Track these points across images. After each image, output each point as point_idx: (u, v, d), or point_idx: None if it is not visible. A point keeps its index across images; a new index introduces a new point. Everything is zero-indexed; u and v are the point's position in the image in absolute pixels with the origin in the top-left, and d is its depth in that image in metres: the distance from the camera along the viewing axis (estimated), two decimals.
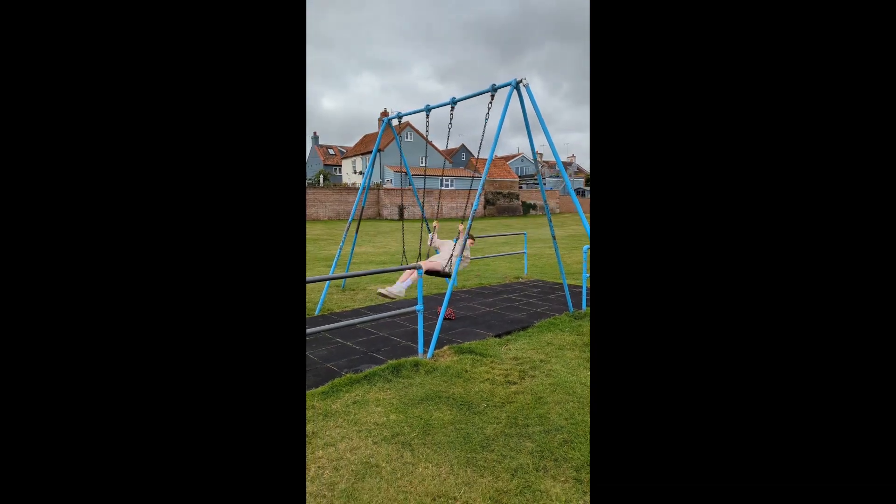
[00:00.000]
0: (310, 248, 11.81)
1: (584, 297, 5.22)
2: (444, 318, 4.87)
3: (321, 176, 31.49)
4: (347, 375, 3.12)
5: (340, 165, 43.89)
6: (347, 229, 5.88)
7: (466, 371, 3.24)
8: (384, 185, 31.54)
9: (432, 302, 5.56)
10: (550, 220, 4.58)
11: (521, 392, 2.88)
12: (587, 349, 3.71)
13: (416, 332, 4.04)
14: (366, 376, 3.11)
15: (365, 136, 41.04)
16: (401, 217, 29.40)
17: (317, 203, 27.66)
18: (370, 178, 5.59)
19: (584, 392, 2.87)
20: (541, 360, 3.48)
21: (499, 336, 4.19)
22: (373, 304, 5.50)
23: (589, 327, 4.29)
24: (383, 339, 4.11)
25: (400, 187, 31.96)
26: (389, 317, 3.83)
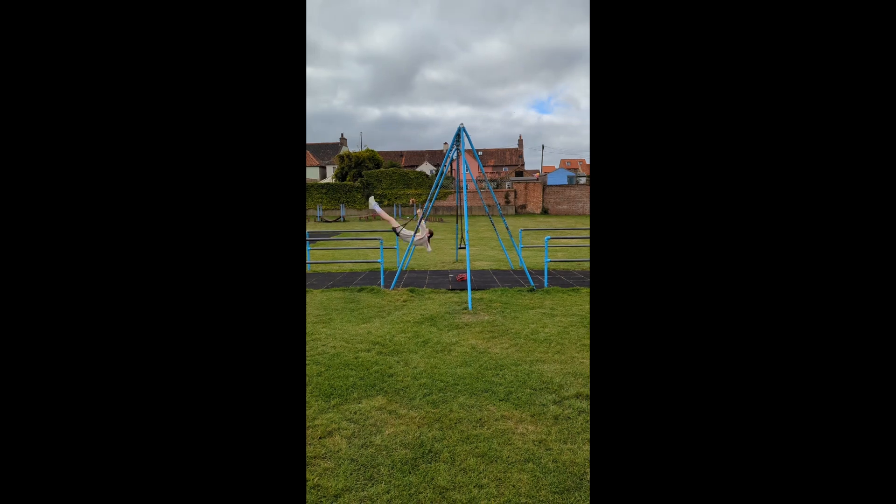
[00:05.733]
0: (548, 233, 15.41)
1: (546, 280, 7.00)
2: (458, 281, 7.60)
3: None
4: (343, 287, 6.86)
5: None
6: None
7: (388, 295, 6.33)
8: None
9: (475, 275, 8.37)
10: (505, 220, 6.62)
11: (387, 305, 5.84)
12: (481, 304, 6.01)
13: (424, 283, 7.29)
14: (346, 287, 6.76)
15: None
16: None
17: (574, 200, 30.82)
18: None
19: (425, 314, 5.57)
20: (442, 300, 6.14)
21: (453, 290, 6.79)
22: (435, 268, 8.75)
23: (510, 296, 6.25)
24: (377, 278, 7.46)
25: None
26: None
